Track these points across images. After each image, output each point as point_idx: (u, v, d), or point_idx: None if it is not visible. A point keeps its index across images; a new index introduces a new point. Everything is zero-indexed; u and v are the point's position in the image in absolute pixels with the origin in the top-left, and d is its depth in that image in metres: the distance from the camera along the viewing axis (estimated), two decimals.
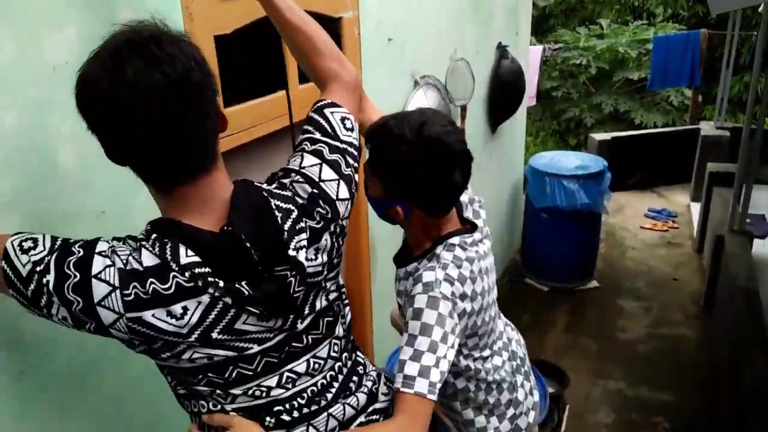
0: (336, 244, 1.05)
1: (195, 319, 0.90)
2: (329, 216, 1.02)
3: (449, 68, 2.91)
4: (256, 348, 0.98)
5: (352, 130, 1.11)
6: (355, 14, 2.09)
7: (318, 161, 1.04)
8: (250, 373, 1.00)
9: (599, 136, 6.45)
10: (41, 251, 0.88)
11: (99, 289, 0.86)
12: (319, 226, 1.00)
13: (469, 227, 1.35)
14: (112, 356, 1.22)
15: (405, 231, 1.41)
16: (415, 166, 1.20)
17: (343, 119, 1.10)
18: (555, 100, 8.37)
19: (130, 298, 0.87)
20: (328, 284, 1.07)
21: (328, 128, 1.07)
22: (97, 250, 0.88)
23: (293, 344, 1.03)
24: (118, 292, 0.86)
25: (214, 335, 0.92)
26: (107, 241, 0.91)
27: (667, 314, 4.06)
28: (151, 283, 0.87)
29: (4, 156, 1.01)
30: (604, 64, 8.01)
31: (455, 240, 1.28)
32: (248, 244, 0.89)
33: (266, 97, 1.73)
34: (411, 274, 1.31)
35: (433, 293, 1.18)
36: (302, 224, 0.97)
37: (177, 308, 0.88)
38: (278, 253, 0.93)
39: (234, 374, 0.99)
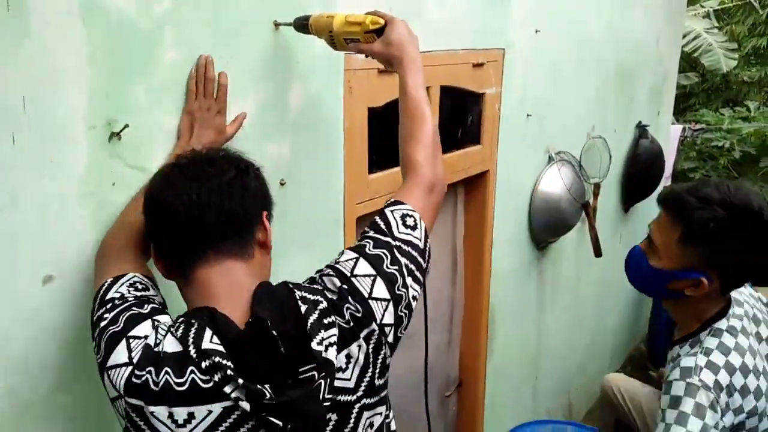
0: (373, 359, 0.89)
1: (199, 430, 0.78)
2: (360, 316, 0.88)
3: (586, 145, 2.86)
4: None
5: (413, 228, 0.99)
6: (498, 90, 2.14)
7: (355, 256, 0.94)
8: None
9: None
10: (140, 294, 0.90)
11: (119, 355, 0.81)
12: (348, 326, 0.87)
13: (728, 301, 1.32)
14: None
15: (669, 311, 1.39)
16: (738, 235, 1.21)
17: (404, 216, 1.00)
18: (692, 182, 7.92)
19: (139, 381, 0.78)
20: (371, 418, 0.90)
21: (383, 225, 0.99)
22: (153, 317, 0.86)
23: None
24: (129, 368, 0.79)
25: None
26: (170, 316, 0.88)
27: None
28: (166, 373, 0.78)
29: None
30: (749, 149, 7.48)
31: (722, 324, 1.25)
32: (274, 332, 0.80)
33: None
34: (673, 359, 1.28)
35: (692, 380, 1.14)
36: (331, 319, 0.86)
37: (182, 412, 0.77)
38: (302, 347, 0.81)
39: None
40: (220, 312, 0.83)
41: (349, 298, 0.89)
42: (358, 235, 1.28)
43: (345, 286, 0.90)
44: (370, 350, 0.89)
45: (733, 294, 1.35)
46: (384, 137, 1.68)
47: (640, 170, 3.54)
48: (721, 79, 8.66)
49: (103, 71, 0.96)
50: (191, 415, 0.77)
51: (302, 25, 1.21)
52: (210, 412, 0.78)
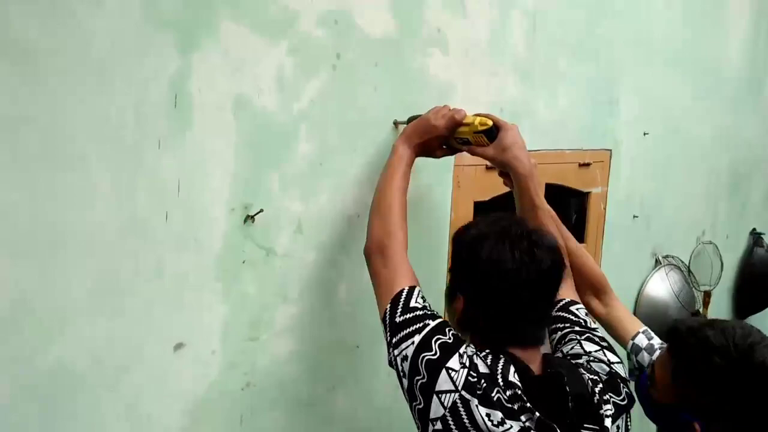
0: (629, 429, 1.07)
1: None
2: (631, 395, 1.07)
3: (695, 250, 2.74)
4: None
5: (594, 321, 1.21)
6: (604, 190, 2.13)
7: (598, 347, 1.12)
8: None
9: None
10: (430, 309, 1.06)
11: (453, 360, 0.98)
12: (623, 403, 1.05)
13: None
14: None
15: None
16: (736, 388, 1.11)
17: (586, 314, 1.20)
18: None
19: (472, 381, 0.96)
20: None
21: (583, 323, 1.18)
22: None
23: None
24: (465, 371, 0.97)
25: None
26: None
27: None
28: (484, 383, 0.96)
29: (300, 288, 1.20)
30: None
31: None
32: (568, 389, 0.96)
33: None
34: None
35: None
36: (607, 396, 1.03)
37: (497, 415, 0.94)
38: (590, 411, 0.98)
39: None
40: (519, 359, 1.01)
41: (618, 380, 1.07)
42: None
43: (612, 371, 1.08)
44: (629, 423, 1.07)
45: None
46: None
47: (755, 280, 3.32)
48: None
49: (246, 160, 1.07)
50: (502, 421, 0.94)
51: None
52: (511, 426, 0.94)
